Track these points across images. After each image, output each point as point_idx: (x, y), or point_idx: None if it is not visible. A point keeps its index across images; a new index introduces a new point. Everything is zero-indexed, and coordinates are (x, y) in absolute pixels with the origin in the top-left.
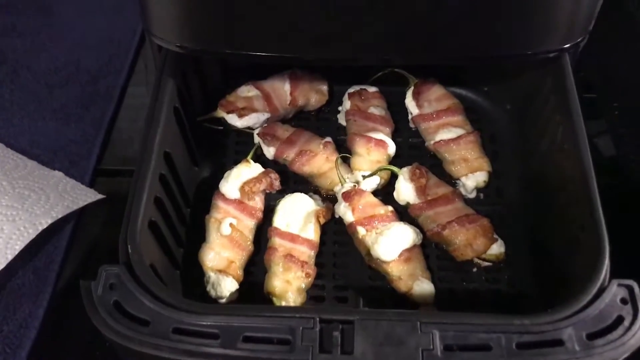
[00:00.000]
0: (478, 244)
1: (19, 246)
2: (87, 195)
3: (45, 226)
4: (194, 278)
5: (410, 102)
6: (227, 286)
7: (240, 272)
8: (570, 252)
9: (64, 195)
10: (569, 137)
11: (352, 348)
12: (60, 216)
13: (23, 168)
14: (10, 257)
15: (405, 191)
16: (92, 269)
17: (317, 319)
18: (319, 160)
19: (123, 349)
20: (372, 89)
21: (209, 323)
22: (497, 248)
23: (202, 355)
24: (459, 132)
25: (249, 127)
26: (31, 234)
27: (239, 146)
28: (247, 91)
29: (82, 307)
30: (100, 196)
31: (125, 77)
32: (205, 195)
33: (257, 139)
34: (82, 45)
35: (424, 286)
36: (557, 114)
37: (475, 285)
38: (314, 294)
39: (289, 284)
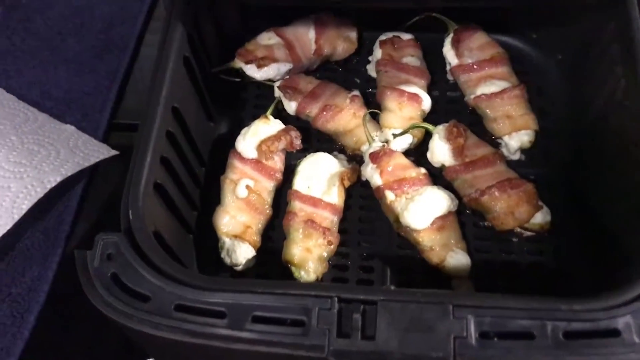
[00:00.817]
0: (521, 212)
1: (26, 205)
2: (100, 151)
3: (54, 184)
4: (208, 243)
5: (448, 51)
6: (243, 253)
7: (257, 238)
8: (630, 226)
9: (75, 151)
10: (632, 92)
11: (374, 333)
12: (70, 174)
13: (33, 121)
14: (17, 217)
15: (441, 152)
16: (105, 230)
17: (336, 298)
18: (345, 116)
19: (121, 326)
20: (406, 37)
21: (215, 300)
22: (541, 217)
23: (207, 336)
24: (503, 85)
25: (269, 79)
26: (39, 192)
27: (259, 100)
28: (268, 39)
29: None
30: (114, 152)
31: (142, 24)
32: (221, 153)
33: (277, 93)
34: None
35: (458, 257)
36: (619, 65)
37: (516, 257)
38: (336, 263)
39: (309, 252)
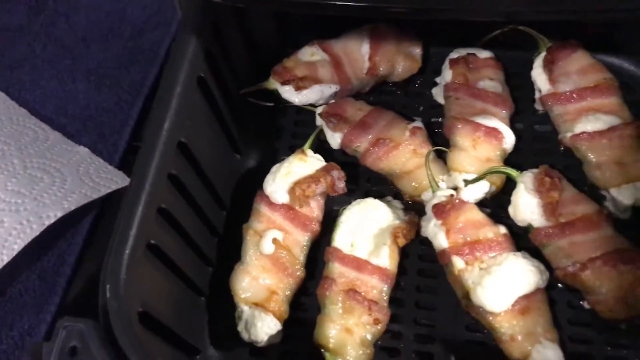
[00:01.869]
0: (637, 298)
1: (18, 245)
2: (114, 180)
3: (53, 220)
4: (225, 307)
5: (539, 75)
6: (265, 327)
7: (284, 308)
8: None
9: (84, 180)
10: None
11: None
12: (74, 207)
13: (43, 141)
14: (7, 259)
15: (527, 208)
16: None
17: None
18: (403, 153)
19: None
20: (483, 54)
21: None
22: None
23: None
24: (610, 121)
25: (310, 104)
26: (35, 229)
27: (297, 128)
28: (311, 54)
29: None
30: (128, 181)
31: (176, 31)
32: (249, 193)
33: (319, 121)
34: None
35: (547, 353)
36: None
37: (631, 354)
38: (385, 345)
39: (349, 333)
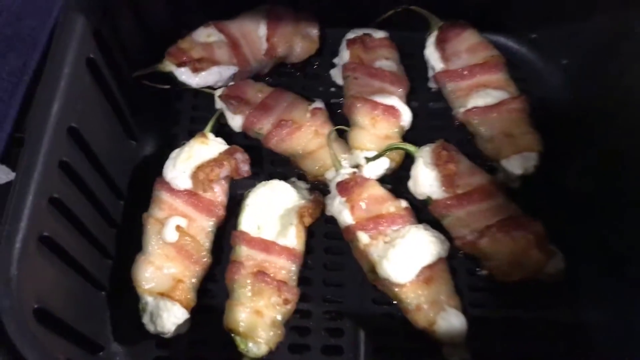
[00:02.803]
0: (529, 260)
1: None
2: None
3: None
4: (129, 301)
5: (432, 53)
6: (172, 317)
7: (191, 296)
8: None
9: None
10: None
11: None
12: None
13: None
14: None
15: (426, 181)
16: None
17: None
18: (305, 134)
19: None
20: (379, 35)
21: None
22: (554, 264)
23: None
24: (500, 95)
25: (208, 87)
26: None
27: (196, 112)
28: (207, 35)
29: None
30: (13, 175)
31: (57, 15)
32: (147, 182)
33: (219, 104)
34: None
35: (451, 320)
36: None
37: (521, 312)
38: (295, 324)
39: (259, 315)
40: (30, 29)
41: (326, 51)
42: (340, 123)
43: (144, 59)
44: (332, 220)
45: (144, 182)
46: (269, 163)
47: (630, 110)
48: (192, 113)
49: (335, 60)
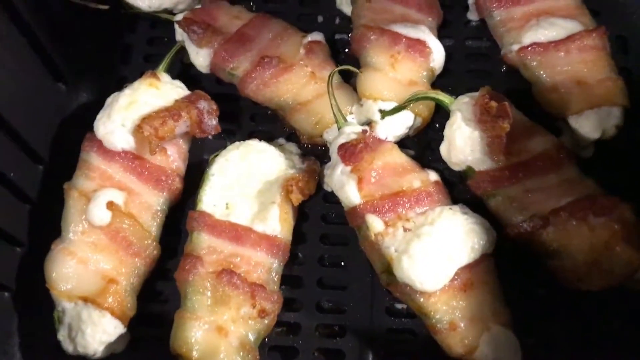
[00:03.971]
0: (613, 261)
1: None
2: None
3: None
4: (40, 306)
5: None
6: (99, 332)
7: (128, 302)
8: None
9: None
10: None
11: None
12: None
13: None
14: None
15: (466, 144)
16: None
17: None
18: (297, 76)
19: None
20: None
21: None
22: None
23: None
24: (570, 27)
25: (167, 11)
26: None
27: (153, 47)
28: None
29: None
30: None
31: None
32: (79, 138)
33: (179, 34)
34: None
35: (500, 343)
36: None
37: (599, 328)
38: (278, 343)
39: (222, 333)
40: None
41: None
42: (347, 63)
43: None
44: (333, 199)
45: (74, 141)
46: (247, 118)
47: None
48: (146, 49)
49: None
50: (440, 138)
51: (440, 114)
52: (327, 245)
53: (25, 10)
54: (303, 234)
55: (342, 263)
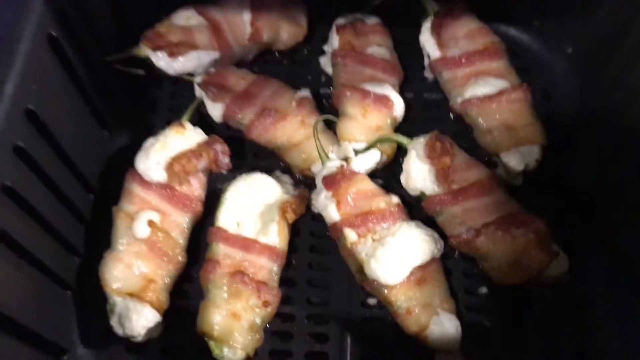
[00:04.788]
0: (530, 261)
1: None
2: None
3: None
4: (97, 301)
5: (427, 40)
6: (142, 320)
7: (163, 297)
8: None
9: None
10: None
11: None
12: None
13: None
14: None
15: (419, 175)
16: None
17: None
18: (290, 124)
19: None
20: (371, 20)
21: None
22: (557, 266)
23: None
24: (500, 85)
25: (188, 74)
26: None
27: (175, 101)
28: (186, 18)
29: None
30: None
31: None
32: (121, 173)
33: (198, 92)
34: None
35: (444, 324)
36: None
37: (522, 316)
38: (277, 329)
39: (236, 318)
40: None
41: (315, 38)
42: (329, 113)
43: (117, 44)
44: (319, 218)
45: (117, 175)
46: (251, 155)
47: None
48: (170, 102)
49: (325, 48)
50: (401, 170)
51: (401, 152)
52: (314, 254)
53: (82, 70)
54: (296, 245)
55: (327, 267)
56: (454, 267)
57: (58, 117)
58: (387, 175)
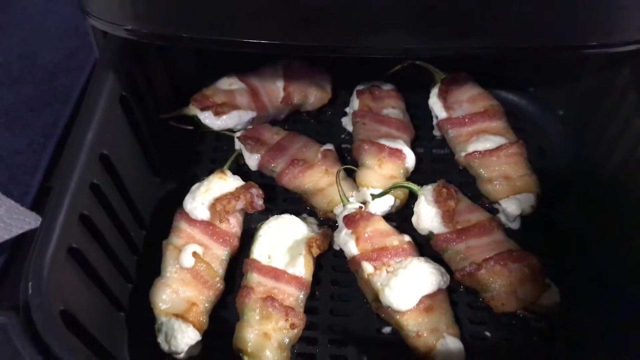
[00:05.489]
0: (525, 291)
1: None
2: (26, 221)
3: None
4: (145, 323)
5: (435, 103)
6: (185, 338)
7: (204, 319)
8: None
9: None
10: None
11: None
12: None
13: None
14: None
15: (428, 217)
16: None
17: None
18: (316, 172)
19: None
20: (386, 87)
21: None
22: (549, 297)
23: None
24: (498, 141)
25: (229, 129)
26: None
27: (216, 153)
28: (229, 84)
29: None
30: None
31: (89, 74)
32: (168, 216)
33: (237, 144)
34: (40, 35)
35: (450, 346)
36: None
37: (520, 344)
38: (301, 351)
39: (266, 337)
40: (64, 86)
41: (339, 101)
42: (350, 164)
43: (170, 105)
44: (340, 254)
45: (165, 216)
46: (281, 200)
47: (616, 158)
48: (212, 154)
49: (347, 110)
50: (412, 214)
51: (412, 200)
52: (335, 287)
53: (144, 125)
54: (319, 279)
55: (346, 299)
56: (459, 300)
57: (123, 162)
58: (400, 219)
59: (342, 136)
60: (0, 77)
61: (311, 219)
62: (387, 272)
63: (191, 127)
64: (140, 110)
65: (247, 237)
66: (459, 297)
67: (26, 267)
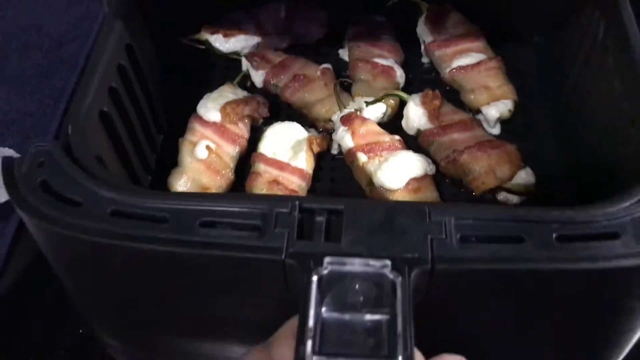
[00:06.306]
0: (502, 170)
1: None
2: None
3: None
4: None
5: (423, 29)
6: None
7: None
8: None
9: None
10: (612, 30)
11: (340, 235)
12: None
13: None
14: None
15: (415, 117)
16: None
17: (297, 202)
18: (316, 86)
19: (47, 236)
20: (379, 18)
21: (157, 205)
22: (525, 176)
23: (148, 240)
24: (479, 57)
25: (236, 53)
26: None
27: (226, 73)
28: (237, 16)
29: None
30: None
31: (94, 42)
32: (183, 123)
33: (245, 65)
34: (46, 6)
35: None
36: (597, 10)
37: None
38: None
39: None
40: (70, 54)
41: (336, 40)
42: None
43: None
44: (338, 161)
45: (182, 123)
46: (285, 114)
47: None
48: (224, 73)
49: (343, 44)
50: (402, 120)
51: (402, 108)
52: (333, 183)
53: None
54: (318, 177)
55: (343, 192)
56: (445, 191)
57: (149, 61)
58: (391, 126)
59: (339, 65)
60: (9, 47)
61: (311, 130)
62: (379, 161)
63: (203, 47)
64: (162, 33)
65: (254, 141)
66: (445, 188)
67: (66, 117)
